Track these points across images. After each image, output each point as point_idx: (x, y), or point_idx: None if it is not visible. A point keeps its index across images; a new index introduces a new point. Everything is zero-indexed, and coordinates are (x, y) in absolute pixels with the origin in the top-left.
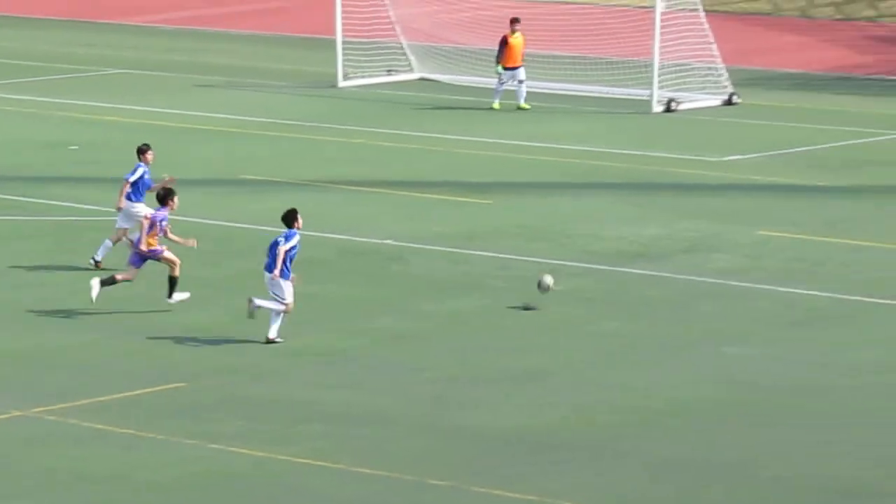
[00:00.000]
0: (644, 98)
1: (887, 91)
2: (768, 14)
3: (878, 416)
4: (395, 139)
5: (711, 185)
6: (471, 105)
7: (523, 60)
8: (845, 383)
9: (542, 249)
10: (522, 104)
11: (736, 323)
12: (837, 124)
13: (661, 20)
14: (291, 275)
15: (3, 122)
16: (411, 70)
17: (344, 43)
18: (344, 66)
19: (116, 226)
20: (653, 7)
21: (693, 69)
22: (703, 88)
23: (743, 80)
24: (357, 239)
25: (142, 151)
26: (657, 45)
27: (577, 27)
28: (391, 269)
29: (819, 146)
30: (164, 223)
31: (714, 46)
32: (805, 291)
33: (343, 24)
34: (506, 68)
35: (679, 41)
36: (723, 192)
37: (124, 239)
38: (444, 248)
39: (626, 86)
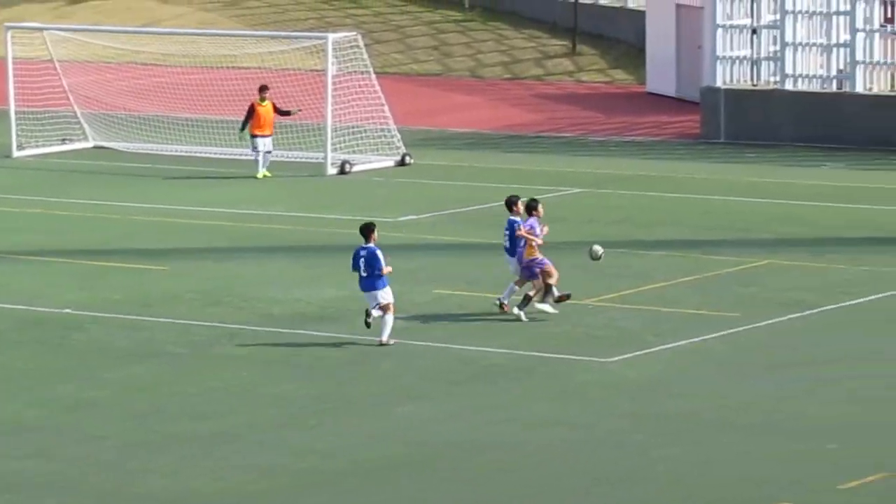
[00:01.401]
0: (318, 161)
1: (556, 148)
2: (438, 75)
3: (550, 469)
4: (72, 208)
5: (387, 246)
6: (147, 172)
7: (272, 129)
8: (520, 438)
9: (219, 314)
10: (264, 173)
11: (413, 381)
12: (509, 182)
13: (333, 83)
14: None
15: None
16: (86, 138)
17: (17, 113)
18: (18, 136)
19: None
20: (324, 70)
21: (366, 131)
22: (377, 150)
23: (416, 140)
24: (35, 309)
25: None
26: (329, 108)
27: (251, 91)
28: (70, 337)
29: (492, 204)
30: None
31: (386, 108)
32: (480, 348)
33: (16, 94)
34: (255, 136)
35: (351, 104)
36: (398, 253)
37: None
38: (122, 316)
39: (301, 149)
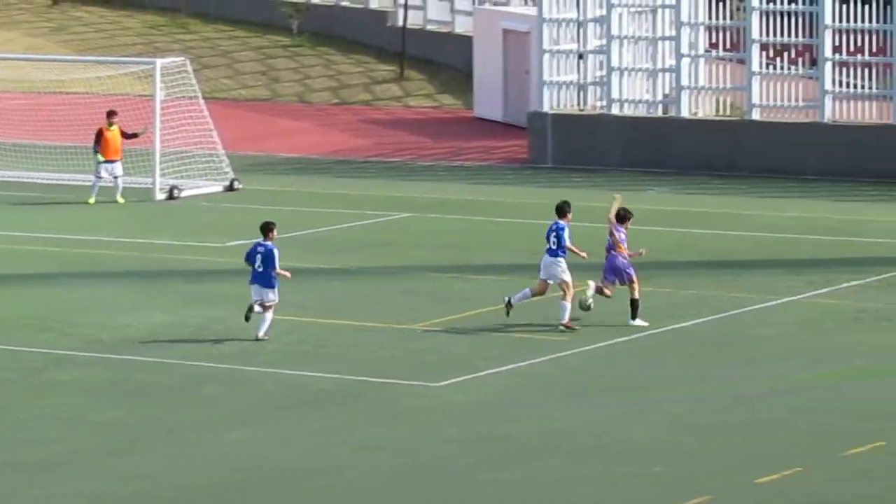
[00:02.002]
0: (146, 186)
1: (384, 173)
2: (267, 100)
3: (378, 494)
4: None
5: (216, 271)
6: None
7: (120, 154)
8: (351, 462)
9: (48, 339)
10: (119, 199)
11: (242, 407)
12: (338, 207)
13: (161, 108)
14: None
15: None
16: None
17: None
18: None
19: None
20: (152, 95)
21: (194, 156)
22: (205, 175)
23: (244, 165)
24: None
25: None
26: (157, 133)
27: (78, 116)
28: None
29: (320, 229)
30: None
31: (214, 133)
32: (310, 373)
33: None
34: (104, 161)
35: (179, 129)
36: (228, 278)
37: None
38: None
39: (129, 174)
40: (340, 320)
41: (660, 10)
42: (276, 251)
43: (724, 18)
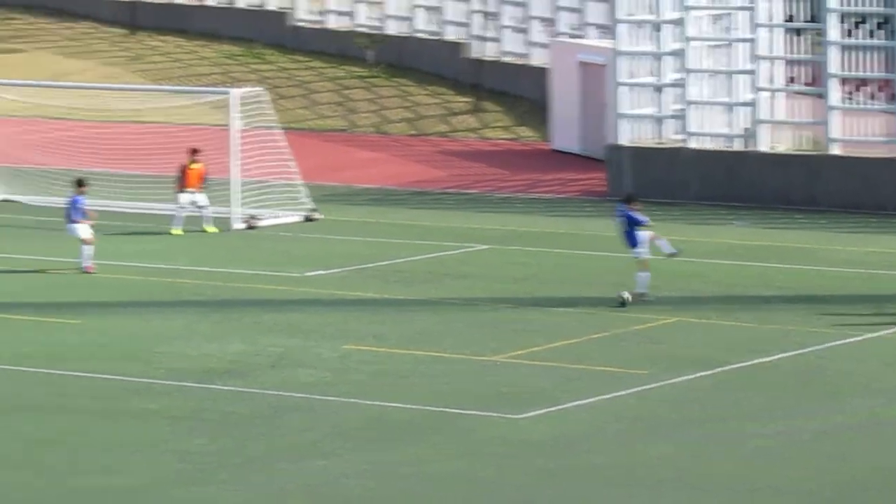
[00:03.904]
0: (225, 215)
1: (461, 205)
2: (344, 130)
3: None
4: None
5: (295, 301)
6: (55, 226)
7: (203, 186)
8: (430, 494)
9: (129, 368)
10: (209, 228)
11: (321, 436)
12: (415, 238)
13: (239, 138)
14: None
15: None
16: None
17: None
18: None
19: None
20: (228, 126)
21: (272, 186)
22: (284, 205)
23: (322, 196)
24: None
25: None
26: (235, 162)
27: (156, 146)
28: None
29: (399, 260)
30: None
31: (292, 163)
32: (389, 404)
33: None
34: (184, 190)
35: (257, 159)
36: (306, 308)
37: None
38: (32, 370)
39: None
40: (420, 351)
41: (737, 45)
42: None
43: (802, 53)
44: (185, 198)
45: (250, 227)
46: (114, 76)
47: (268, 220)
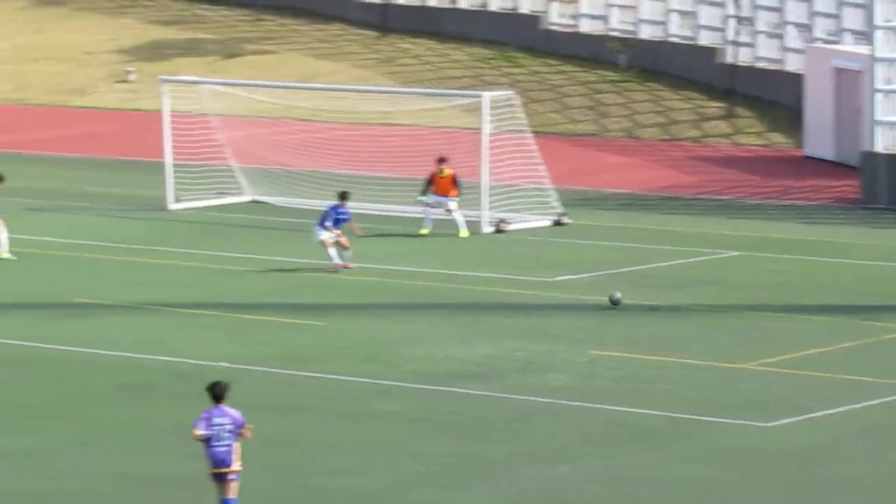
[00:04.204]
0: (474, 219)
1: (712, 211)
2: (594, 135)
3: None
4: (227, 261)
5: (543, 305)
6: (302, 227)
7: (458, 190)
8: (674, 501)
9: (373, 371)
10: (463, 232)
11: (567, 442)
12: (665, 244)
13: (489, 142)
14: None
15: None
16: (242, 192)
17: (174, 166)
18: (175, 188)
19: None
20: (479, 129)
21: (522, 190)
22: (533, 209)
23: (572, 200)
24: (189, 361)
25: None
26: (485, 166)
27: (406, 149)
28: None
29: (648, 265)
30: None
31: (542, 167)
32: (637, 410)
33: (173, 148)
34: (435, 194)
35: (507, 162)
36: (554, 312)
37: None
38: (276, 370)
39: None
40: (669, 357)
41: None
42: None
43: None
44: (431, 199)
45: (499, 231)
46: (364, 78)
47: (517, 223)
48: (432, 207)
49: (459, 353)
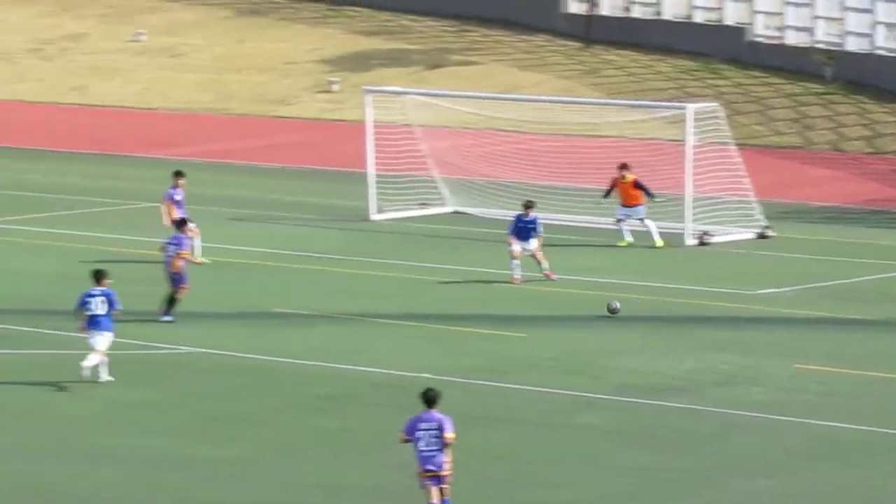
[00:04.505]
0: (677, 231)
1: None
2: (799, 147)
3: None
4: (429, 272)
5: (746, 319)
6: (503, 239)
7: (644, 195)
8: None
9: (576, 383)
10: (657, 242)
11: (770, 456)
12: (871, 257)
13: (693, 154)
14: None
15: (30, 256)
16: (444, 203)
17: (376, 176)
18: (377, 199)
19: None
20: (684, 141)
21: (725, 203)
22: (736, 222)
23: (776, 213)
24: (391, 372)
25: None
26: (689, 178)
27: (610, 160)
28: None
29: (853, 279)
30: None
31: (746, 180)
32: (841, 425)
33: (375, 158)
34: (621, 204)
35: (711, 175)
36: (758, 326)
37: None
38: (479, 382)
39: (659, 218)
40: (873, 372)
41: None
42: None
43: None
44: (619, 213)
45: (702, 243)
46: (567, 89)
47: (720, 236)
48: (622, 221)
49: (663, 366)
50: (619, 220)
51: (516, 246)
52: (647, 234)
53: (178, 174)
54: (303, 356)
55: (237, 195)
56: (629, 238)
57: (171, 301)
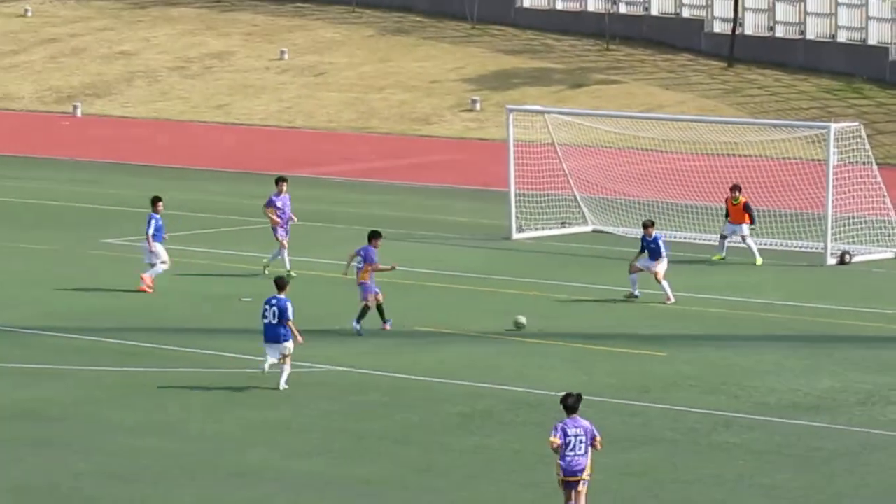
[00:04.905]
0: (818, 251)
1: None
2: None
3: None
4: (569, 291)
5: (887, 338)
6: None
7: (752, 218)
8: None
9: (716, 402)
10: (757, 260)
11: None
12: None
13: (834, 173)
14: None
15: (173, 275)
16: (585, 222)
17: (517, 195)
18: (517, 217)
19: None
20: (825, 160)
21: (866, 222)
22: (876, 241)
23: None
24: (529, 390)
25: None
26: (830, 197)
27: (751, 179)
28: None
29: None
30: None
31: (887, 199)
32: None
33: (516, 177)
34: (730, 222)
35: (852, 194)
36: (894, 345)
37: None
38: (617, 401)
39: (800, 238)
40: None
41: None
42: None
43: None
44: (726, 229)
45: (843, 262)
46: (710, 109)
47: (861, 255)
48: (725, 238)
49: (802, 384)
50: (723, 237)
51: (638, 262)
52: (749, 251)
53: (281, 180)
54: (441, 374)
55: (376, 213)
56: (723, 253)
57: (362, 312)
